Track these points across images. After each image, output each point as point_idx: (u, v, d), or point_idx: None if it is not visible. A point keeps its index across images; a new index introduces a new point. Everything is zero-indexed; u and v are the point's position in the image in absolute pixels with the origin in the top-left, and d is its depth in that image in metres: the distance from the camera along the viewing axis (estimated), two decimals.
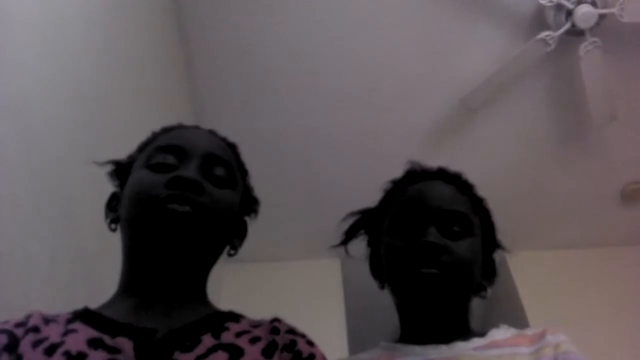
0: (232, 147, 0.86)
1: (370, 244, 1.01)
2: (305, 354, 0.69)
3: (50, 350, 0.63)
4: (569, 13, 2.07)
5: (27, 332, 0.67)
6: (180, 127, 0.86)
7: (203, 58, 2.27)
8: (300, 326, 0.76)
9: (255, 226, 0.91)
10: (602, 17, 2.06)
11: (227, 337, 0.68)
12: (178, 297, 0.73)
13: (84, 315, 0.71)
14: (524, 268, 2.74)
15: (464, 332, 0.90)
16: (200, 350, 0.65)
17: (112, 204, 0.84)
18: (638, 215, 2.73)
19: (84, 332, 0.67)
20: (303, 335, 0.74)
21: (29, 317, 0.70)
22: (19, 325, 0.68)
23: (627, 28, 2.12)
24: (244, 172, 0.87)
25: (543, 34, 2.09)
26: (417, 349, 0.87)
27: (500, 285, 2.87)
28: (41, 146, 1.14)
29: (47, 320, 0.70)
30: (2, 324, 0.68)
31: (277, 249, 2.79)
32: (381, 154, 2.46)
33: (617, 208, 2.72)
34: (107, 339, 0.65)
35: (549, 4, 2.08)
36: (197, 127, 0.87)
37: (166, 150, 0.77)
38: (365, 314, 2.73)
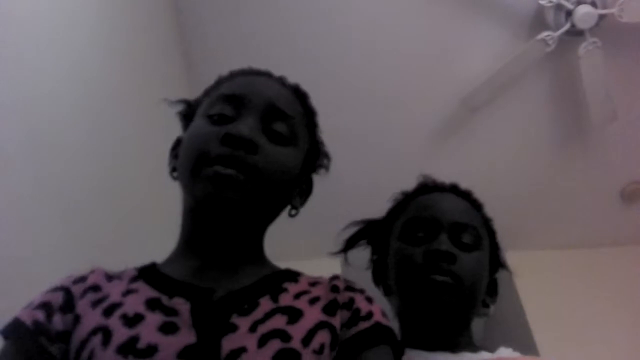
0: (302, 98, 0.81)
1: (375, 251, 1.01)
2: (364, 312, 0.67)
3: (109, 310, 0.63)
4: (569, 13, 2.07)
5: (86, 291, 0.66)
6: (246, 72, 0.80)
7: (203, 56, 2.27)
8: None
9: None
10: (601, 17, 2.07)
11: (285, 300, 0.66)
12: (236, 258, 0.71)
13: (147, 273, 0.70)
14: (523, 267, 2.72)
15: (469, 344, 0.90)
16: (258, 314, 0.63)
17: (176, 150, 0.78)
18: (638, 215, 2.73)
19: (143, 292, 0.66)
20: (362, 291, 0.71)
21: (90, 273, 0.70)
22: (78, 281, 0.68)
23: (627, 28, 2.12)
24: (312, 126, 0.82)
25: (543, 34, 2.09)
26: (425, 354, 0.87)
27: (500, 285, 2.86)
28: (45, 146, 1.14)
29: (110, 278, 0.70)
30: (62, 279, 0.68)
31: (277, 249, 2.77)
32: (382, 153, 2.47)
33: (617, 208, 2.71)
34: (164, 300, 0.64)
35: (549, 4, 2.08)
36: (265, 74, 0.80)
37: (226, 100, 0.72)
38: None
